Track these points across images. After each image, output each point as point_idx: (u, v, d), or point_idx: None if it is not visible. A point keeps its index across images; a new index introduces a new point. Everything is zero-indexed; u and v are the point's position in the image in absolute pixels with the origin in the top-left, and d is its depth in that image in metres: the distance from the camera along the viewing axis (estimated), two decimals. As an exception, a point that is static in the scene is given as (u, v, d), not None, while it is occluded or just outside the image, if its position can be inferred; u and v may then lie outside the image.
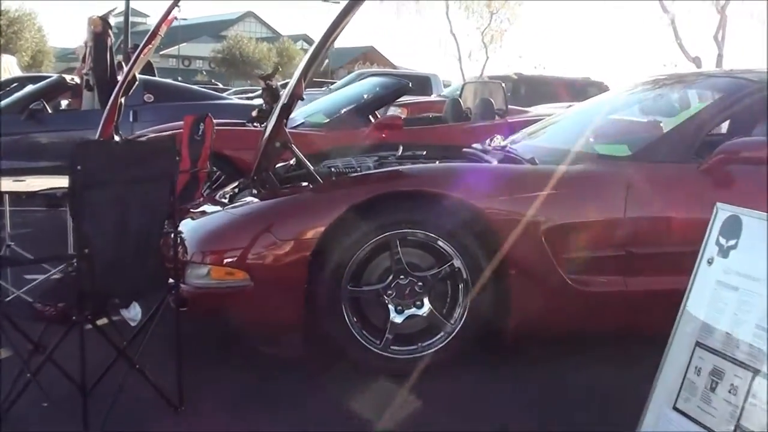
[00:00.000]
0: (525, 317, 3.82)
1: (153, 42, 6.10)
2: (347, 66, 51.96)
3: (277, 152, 4.25)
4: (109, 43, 9.56)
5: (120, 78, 7.16)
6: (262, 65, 60.11)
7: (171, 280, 3.38)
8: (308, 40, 65.61)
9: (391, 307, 3.75)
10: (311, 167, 4.30)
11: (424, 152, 4.90)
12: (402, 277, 3.76)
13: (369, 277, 3.78)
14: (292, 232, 3.65)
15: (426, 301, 3.79)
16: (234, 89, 26.60)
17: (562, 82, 16.21)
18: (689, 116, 4.33)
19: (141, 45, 6.34)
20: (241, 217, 3.85)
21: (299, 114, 8.10)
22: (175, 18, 6.03)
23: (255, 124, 7.73)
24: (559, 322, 3.92)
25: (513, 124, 7.42)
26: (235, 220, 3.85)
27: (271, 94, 9.21)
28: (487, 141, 5.01)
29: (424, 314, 3.78)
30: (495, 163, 4.28)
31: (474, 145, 5.06)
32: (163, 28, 6.03)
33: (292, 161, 4.62)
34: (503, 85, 8.80)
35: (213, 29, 76.74)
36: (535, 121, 7.62)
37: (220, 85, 30.74)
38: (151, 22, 45.46)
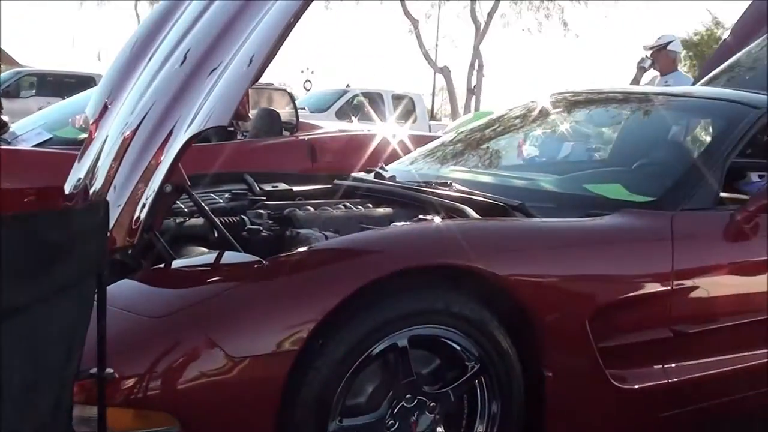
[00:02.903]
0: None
1: None
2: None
3: (168, 200, 2.76)
4: None
5: None
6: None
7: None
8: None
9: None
10: (219, 223, 2.85)
11: (296, 189, 3.58)
12: (408, 396, 2.49)
13: (356, 401, 2.44)
14: (254, 343, 2.23)
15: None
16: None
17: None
18: (707, 148, 3.39)
19: None
20: (159, 319, 2.26)
21: (31, 127, 5.95)
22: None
23: None
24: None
25: (311, 142, 6.24)
26: (146, 323, 2.26)
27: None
28: (378, 168, 3.82)
29: None
30: (434, 213, 3.03)
31: (357, 174, 3.84)
32: None
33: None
34: (290, 92, 7.52)
35: None
36: (342, 138, 6.58)
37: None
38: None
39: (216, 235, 2.88)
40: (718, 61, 5.02)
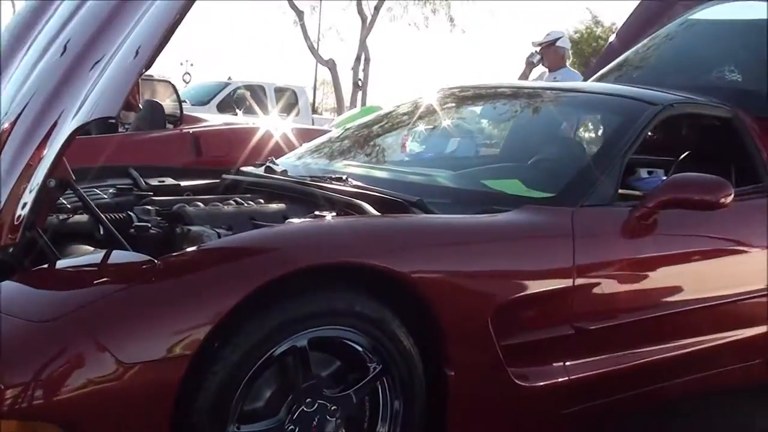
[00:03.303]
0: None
1: None
2: None
3: (52, 196, 2.57)
4: None
5: None
6: None
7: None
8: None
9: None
10: (105, 220, 2.68)
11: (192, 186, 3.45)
12: (309, 400, 2.37)
13: (253, 406, 2.31)
14: (146, 348, 2.08)
15: (343, 435, 2.44)
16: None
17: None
18: (605, 144, 3.38)
19: None
20: (44, 324, 2.07)
21: None
22: None
23: None
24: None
25: (196, 135, 6.06)
26: (30, 328, 2.07)
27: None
28: (268, 162, 3.69)
29: None
30: (330, 209, 2.90)
31: (246, 168, 3.71)
32: None
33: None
34: (173, 84, 7.29)
35: None
36: (227, 131, 6.40)
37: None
38: None
39: (102, 232, 2.71)
40: (605, 62, 5.07)
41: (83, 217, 2.80)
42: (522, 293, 2.71)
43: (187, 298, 2.15)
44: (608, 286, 2.94)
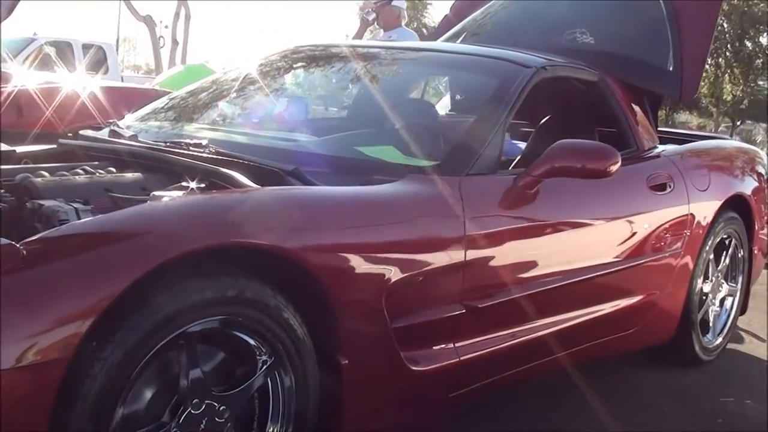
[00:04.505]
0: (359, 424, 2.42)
1: None
2: None
3: None
4: None
5: None
6: None
7: None
8: None
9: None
10: None
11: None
12: (195, 401, 2.07)
13: (133, 409, 1.99)
14: (15, 352, 1.70)
15: (233, 436, 2.15)
16: None
17: None
18: (485, 108, 3.17)
19: None
20: None
21: None
22: None
23: None
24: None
25: (17, 94, 5.51)
26: None
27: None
28: (112, 126, 3.32)
29: None
30: (195, 179, 2.57)
31: (86, 132, 3.32)
32: None
33: None
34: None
35: None
36: (49, 90, 5.84)
37: None
38: None
39: None
40: (442, 32, 4.92)
41: None
42: (415, 271, 2.49)
43: (61, 292, 1.81)
44: (498, 260, 2.77)
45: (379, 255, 2.41)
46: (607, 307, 3.32)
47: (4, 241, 1.86)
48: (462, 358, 2.69)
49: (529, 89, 3.20)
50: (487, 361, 2.78)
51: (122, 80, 14.73)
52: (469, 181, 2.77)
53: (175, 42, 26.52)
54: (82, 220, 2.17)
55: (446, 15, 5.37)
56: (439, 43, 4.33)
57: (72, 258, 1.89)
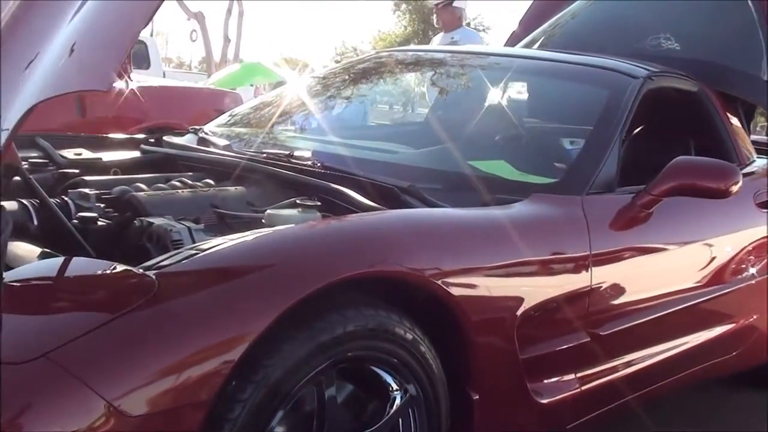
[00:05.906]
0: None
1: None
2: None
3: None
4: None
5: None
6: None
7: None
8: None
9: None
10: (61, 214, 2.12)
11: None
12: (332, 440, 1.92)
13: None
14: (151, 396, 1.56)
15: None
16: None
17: None
18: (600, 121, 2.99)
19: None
20: (13, 367, 1.48)
21: None
22: None
23: None
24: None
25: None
26: None
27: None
28: (199, 133, 3.19)
29: None
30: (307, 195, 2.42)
31: (171, 140, 3.19)
32: None
33: None
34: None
35: None
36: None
37: None
38: None
39: (36, 224, 2.20)
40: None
41: (12, 204, 2.24)
42: (547, 297, 2.35)
43: (204, 328, 1.67)
44: (621, 284, 2.63)
45: (513, 281, 2.27)
46: (717, 330, 3.17)
47: (127, 268, 1.71)
48: (582, 388, 2.54)
49: (638, 101, 3.04)
50: (604, 390, 2.64)
51: (164, 75, 14.66)
52: (591, 201, 2.62)
53: (227, 39, 26.21)
54: (215, 249, 1.97)
55: (514, 31, 5.19)
56: (536, 51, 4.15)
57: (211, 294, 1.75)
